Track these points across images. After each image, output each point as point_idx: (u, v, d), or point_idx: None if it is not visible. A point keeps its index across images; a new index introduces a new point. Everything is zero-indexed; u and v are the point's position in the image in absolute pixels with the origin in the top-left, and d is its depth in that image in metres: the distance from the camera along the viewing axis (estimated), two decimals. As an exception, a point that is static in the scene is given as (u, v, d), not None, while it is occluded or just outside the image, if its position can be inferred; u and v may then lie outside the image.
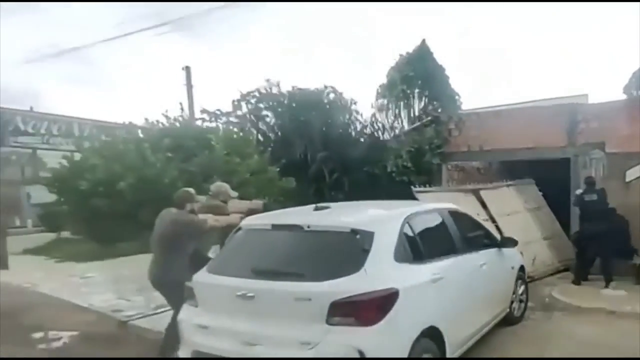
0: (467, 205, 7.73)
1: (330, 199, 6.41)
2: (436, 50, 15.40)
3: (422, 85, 14.75)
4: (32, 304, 7.55)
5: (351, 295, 3.29)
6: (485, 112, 10.62)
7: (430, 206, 5.04)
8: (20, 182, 16.41)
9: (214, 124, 11.99)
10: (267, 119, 9.58)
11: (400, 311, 3.43)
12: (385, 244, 3.75)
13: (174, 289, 4.61)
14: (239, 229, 4.30)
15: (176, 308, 4.67)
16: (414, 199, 8.32)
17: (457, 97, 15.74)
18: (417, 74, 14.53)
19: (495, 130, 10.12)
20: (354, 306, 3.28)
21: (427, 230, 4.48)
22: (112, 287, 8.18)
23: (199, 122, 12.10)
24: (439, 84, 15.04)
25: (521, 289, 6.20)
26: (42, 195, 12.59)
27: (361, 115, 10.37)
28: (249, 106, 12.46)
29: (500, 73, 48.15)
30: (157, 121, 9.42)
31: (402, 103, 14.55)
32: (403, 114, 14.36)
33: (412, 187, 8.86)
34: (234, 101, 12.53)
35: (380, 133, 10.08)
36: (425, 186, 9.16)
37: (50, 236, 14.34)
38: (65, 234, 14.27)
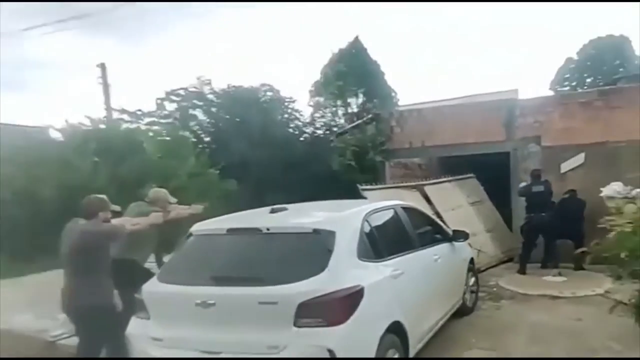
0: (413, 202, 7.94)
1: (273, 200, 6.37)
2: (370, 47, 15.81)
3: (358, 82, 15.03)
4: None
5: (318, 295, 3.32)
6: (426, 109, 11.00)
7: (386, 204, 5.17)
8: None
9: (134, 125, 11.57)
10: (201, 119, 9.37)
11: (367, 308, 3.51)
12: (347, 242, 3.81)
13: (94, 314, 4.15)
14: (190, 235, 4.21)
15: (86, 344, 4.23)
16: (360, 197, 8.51)
17: (393, 93, 16.21)
18: (352, 70, 14.76)
19: (436, 126, 10.51)
20: (322, 306, 3.31)
21: (385, 227, 4.61)
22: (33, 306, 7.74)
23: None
24: (375, 80, 15.39)
25: (472, 280, 6.49)
26: None
27: (301, 113, 10.44)
28: (175, 105, 12.12)
29: (432, 69, 50.07)
30: (81, 123, 8.98)
31: (338, 100, 14.77)
32: (340, 111, 14.58)
33: (357, 185, 9.02)
34: (157, 99, 12.15)
35: (321, 131, 10.15)
36: (371, 184, 9.37)
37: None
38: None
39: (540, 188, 8.50)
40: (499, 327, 5.88)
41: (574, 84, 29.74)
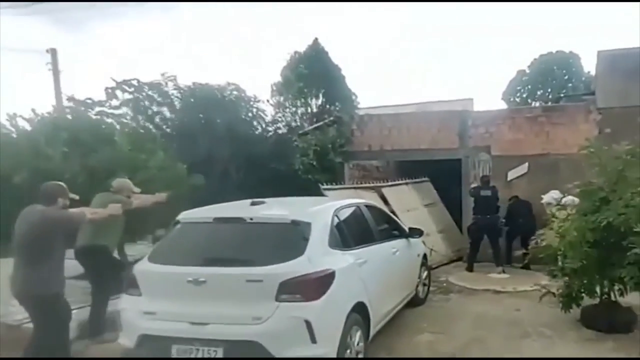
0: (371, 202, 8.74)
1: (236, 196, 6.97)
2: (330, 49, 16.48)
3: (318, 84, 15.69)
4: None
5: (297, 275, 3.96)
6: (386, 115, 11.80)
7: (352, 201, 5.88)
8: None
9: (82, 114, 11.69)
10: (164, 114, 9.74)
11: (337, 288, 4.17)
12: (320, 233, 4.47)
13: (43, 303, 4.42)
14: (177, 222, 4.77)
15: (40, 328, 4.48)
16: (321, 195, 9.19)
17: (353, 96, 16.98)
18: (312, 72, 15.40)
19: (394, 132, 11.34)
20: (300, 285, 3.95)
21: (351, 221, 5.30)
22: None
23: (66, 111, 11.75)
24: (335, 83, 16.10)
25: (425, 274, 7.30)
26: None
27: (264, 113, 11.00)
28: (128, 96, 12.35)
29: (390, 74, 51.65)
30: (48, 113, 9.21)
31: (298, 101, 15.38)
32: (300, 111, 15.20)
33: (319, 184, 9.70)
34: (107, 89, 12.37)
35: (284, 131, 10.75)
36: (330, 184, 10.07)
37: None
38: None
39: (488, 193, 9.44)
40: (448, 316, 6.71)
41: (525, 95, 31.53)
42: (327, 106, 15.25)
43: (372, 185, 10.55)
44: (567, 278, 6.15)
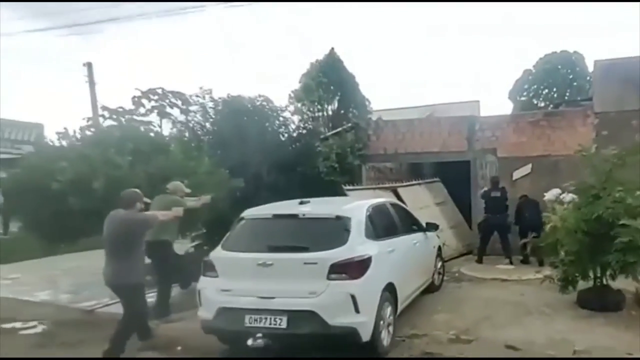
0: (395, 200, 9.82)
1: (269, 196, 8.08)
2: (344, 57, 17.70)
3: (335, 91, 16.92)
4: None
5: (343, 259, 5.05)
6: (400, 121, 12.90)
7: (380, 200, 7.01)
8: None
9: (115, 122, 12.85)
10: (207, 124, 10.89)
11: (373, 270, 5.25)
12: (358, 225, 5.57)
13: (131, 291, 5.47)
14: (242, 218, 5.89)
15: (130, 311, 5.54)
16: (343, 195, 10.29)
17: (367, 102, 18.16)
18: (330, 81, 16.65)
19: (407, 136, 12.47)
20: (346, 267, 5.04)
21: (380, 216, 6.40)
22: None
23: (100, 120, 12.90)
24: (351, 90, 17.31)
25: (439, 264, 8.39)
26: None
27: (289, 120, 12.13)
28: (153, 104, 13.50)
29: (402, 78, 53.04)
30: (112, 126, 10.36)
31: (315, 107, 16.57)
32: (318, 116, 16.37)
33: (341, 185, 10.81)
34: (134, 97, 13.55)
35: (308, 138, 11.85)
36: (350, 185, 11.17)
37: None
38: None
39: (497, 194, 10.50)
40: (460, 299, 7.80)
41: (531, 94, 32.49)
42: (342, 111, 16.36)
43: (388, 185, 11.63)
44: (565, 267, 7.24)
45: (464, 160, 11.86)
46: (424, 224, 7.84)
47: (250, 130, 10.30)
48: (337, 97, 16.74)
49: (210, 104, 10.97)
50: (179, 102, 14.25)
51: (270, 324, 5.00)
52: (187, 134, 10.75)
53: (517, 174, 11.35)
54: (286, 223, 5.63)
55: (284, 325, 4.97)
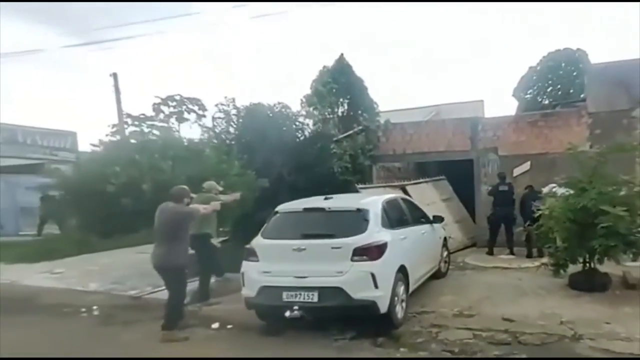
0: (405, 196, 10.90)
1: (290, 194, 9.15)
2: (353, 61, 18.72)
3: (344, 95, 17.95)
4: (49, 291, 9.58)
5: (364, 244, 6.14)
6: (407, 123, 14.03)
7: (393, 195, 8.12)
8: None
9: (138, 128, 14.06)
10: (231, 130, 12.04)
11: (389, 254, 6.33)
12: (375, 216, 6.66)
13: (176, 273, 6.47)
14: (276, 212, 7.00)
15: (175, 291, 6.53)
16: (357, 192, 11.39)
17: (375, 105, 19.18)
18: (340, 85, 17.68)
19: (414, 137, 13.59)
20: (366, 250, 6.11)
21: (394, 209, 7.50)
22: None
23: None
24: (359, 93, 18.34)
25: (445, 253, 9.48)
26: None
27: (308, 125, 13.26)
28: (170, 109, 14.68)
29: (408, 78, 54.37)
30: (153, 134, 11.53)
31: (326, 111, 17.62)
32: (331, 120, 17.43)
33: (355, 184, 11.93)
34: (154, 104, 14.74)
35: (323, 140, 12.97)
36: (362, 183, 12.30)
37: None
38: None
39: (505, 188, 11.54)
40: (464, 284, 8.87)
41: (535, 91, 33.34)
42: (351, 113, 17.43)
43: (398, 184, 12.73)
44: (557, 253, 8.33)
45: (468, 158, 12.95)
46: (431, 217, 8.94)
47: (271, 134, 11.45)
48: (347, 101, 17.75)
49: (234, 111, 12.12)
50: (196, 108, 15.56)
51: (304, 298, 6.10)
52: (215, 140, 11.89)
53: (517, 171, 12.42)
54: (315, 215, 6.73)
55: (315, 299, 6.07)
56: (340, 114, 17.74)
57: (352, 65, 18.10)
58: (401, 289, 6.65)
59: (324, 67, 18.17)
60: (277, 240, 6.52)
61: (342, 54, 18.18)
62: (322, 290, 6.08)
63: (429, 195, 12.91)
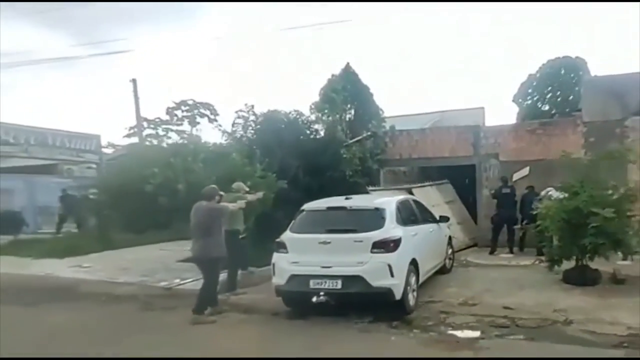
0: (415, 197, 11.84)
1: (305, 196, 10.07)
2: (359, 69, 19.74)
3: (351, 102, 18.97)
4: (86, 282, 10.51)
5: (382, 238, 7.07)
6: (413, 130, 15.03)
7: (405, 196, 9.09)
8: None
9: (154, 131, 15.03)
10: (248, 134, 13.02)
11: (402, 247, 7.26)
12: (391, 215, 7.59)
13: (211, 263, 7.43)
14: (303, 210, 7.94)
15: (209, 279, 7.55)
16: (367, 194, 12.33)
17: (380, 111, 20.19)
18: (348, 93, 18.71)
19: (420, 143, 14.58)
20: (384, 244, 7.04)
21: (406, 209, 8.46)
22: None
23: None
24: (365, 100, 19.35)
25: (450, 251, 10.43)
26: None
27: (321, 131, 14.22)
28: (183, 113, 15.69)
29: (411, 85, 55.76)
30: (183, 138, 12.44)
31: (335, 117, 18.60)
32: (340, 127, 18.41)
33: (365, 186, 12.89)
34: (168, 108, 15.69)
35: (334, 145, 13.94)
36: (371, 186, 13.27)
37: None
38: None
39: (508, 190, 12.53)
40: (468, 278, 9.80)
41: (535, 98, 34.30)
42: (358, 119, 18.42)
43: (405, 186, 13.69)
44: (552, 250, 9.29)
45: (470, 164, 13.93)
46: (437, 217, 9.90)
47: (287, 139, 12.42)
48: (354, 107, 18.76)
49: (252, 117, 13.10)
50: (208, 112, 16.54)
51: (329, 286, 7.03)
52: (234, 144, 12.85)
53: (516, 176, 13.37)
54: (337, 213, 7.68)
55: (339, 286, 7.00)
56: (347, 119, 18.75)
57: (358, 73, 19.20)
58: (413, 279, 7.59)
59: (332, 75, 19.22)
60: (304, 234, 7.46)
61: (348, 63, 19.25)
62: (345, 279, 7.01)
63: (433, 198, 13.84)
